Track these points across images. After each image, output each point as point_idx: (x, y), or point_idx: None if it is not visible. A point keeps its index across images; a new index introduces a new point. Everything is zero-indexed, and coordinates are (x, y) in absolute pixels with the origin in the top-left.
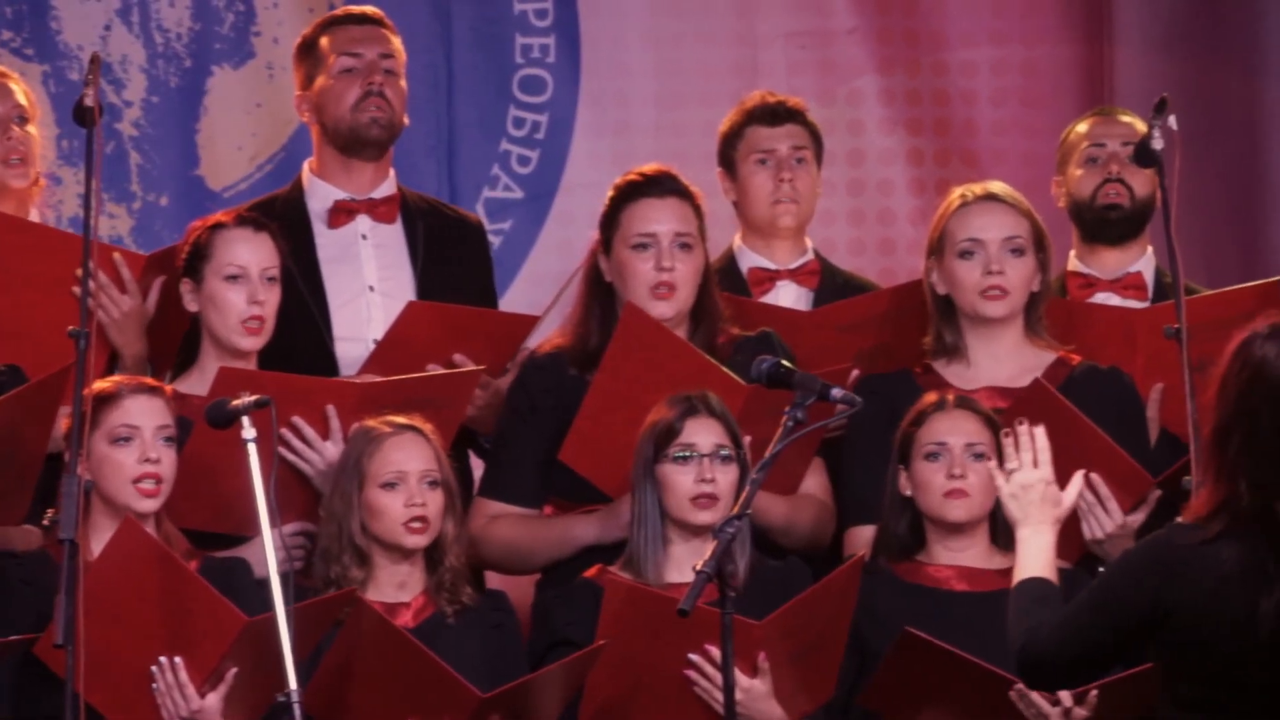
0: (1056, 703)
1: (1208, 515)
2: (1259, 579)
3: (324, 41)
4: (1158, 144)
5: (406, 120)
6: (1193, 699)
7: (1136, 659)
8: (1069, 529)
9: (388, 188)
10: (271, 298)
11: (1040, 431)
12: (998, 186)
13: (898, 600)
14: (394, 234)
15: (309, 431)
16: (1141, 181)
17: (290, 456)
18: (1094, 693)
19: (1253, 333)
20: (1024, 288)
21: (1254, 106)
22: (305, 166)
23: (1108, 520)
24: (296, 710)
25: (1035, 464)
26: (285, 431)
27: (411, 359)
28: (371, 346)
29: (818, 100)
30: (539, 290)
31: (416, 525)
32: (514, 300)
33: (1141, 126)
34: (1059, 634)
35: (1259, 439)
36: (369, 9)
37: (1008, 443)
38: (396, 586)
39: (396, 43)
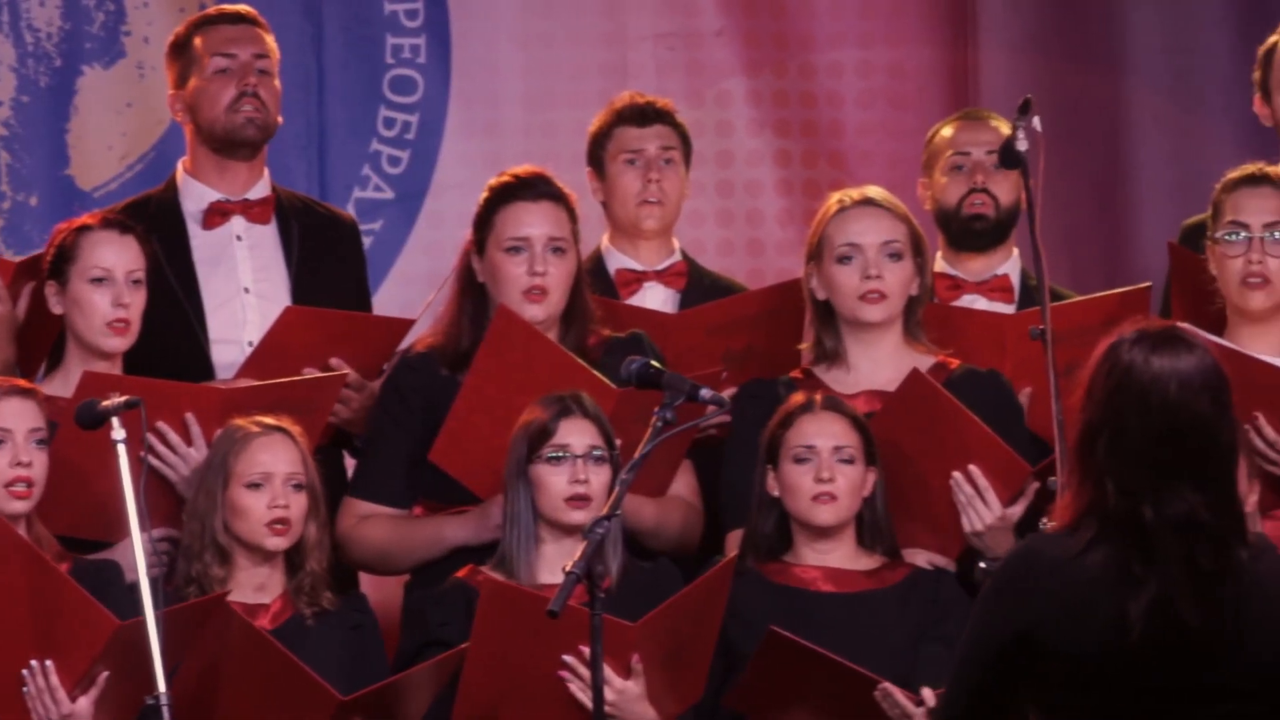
0: (920, 703)
1: (1075, 520)
2: (1126, 583)
3: (197, 41)
4: (1022, 145)
5: (281, 120)
6: (1065, 708)
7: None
8: (949, 524)
9: (262, 188)
10: (137, 300)
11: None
12: (875, 191)
13: (765, 601)
14: (269, 235)
15: (173, 436)
16: (1006, 189)
17: (154, 461)
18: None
19: (1120, 337)
20: (902, 292)
21: (1117, 107)
22: (179, 166)
23: (987, 512)
24: (166, 713)
25: None
26: (149, 436)
27: (287, 363)
28: (247, 349)
29: (686, 101)
30: (409, 290)
31: (278, 527)
32: (384, 300)
33: (1006, 129)
34: (950, 690)
35: (1125, 443)
36: (242, 8)
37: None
38: (255, 588)
39: (270, 42)
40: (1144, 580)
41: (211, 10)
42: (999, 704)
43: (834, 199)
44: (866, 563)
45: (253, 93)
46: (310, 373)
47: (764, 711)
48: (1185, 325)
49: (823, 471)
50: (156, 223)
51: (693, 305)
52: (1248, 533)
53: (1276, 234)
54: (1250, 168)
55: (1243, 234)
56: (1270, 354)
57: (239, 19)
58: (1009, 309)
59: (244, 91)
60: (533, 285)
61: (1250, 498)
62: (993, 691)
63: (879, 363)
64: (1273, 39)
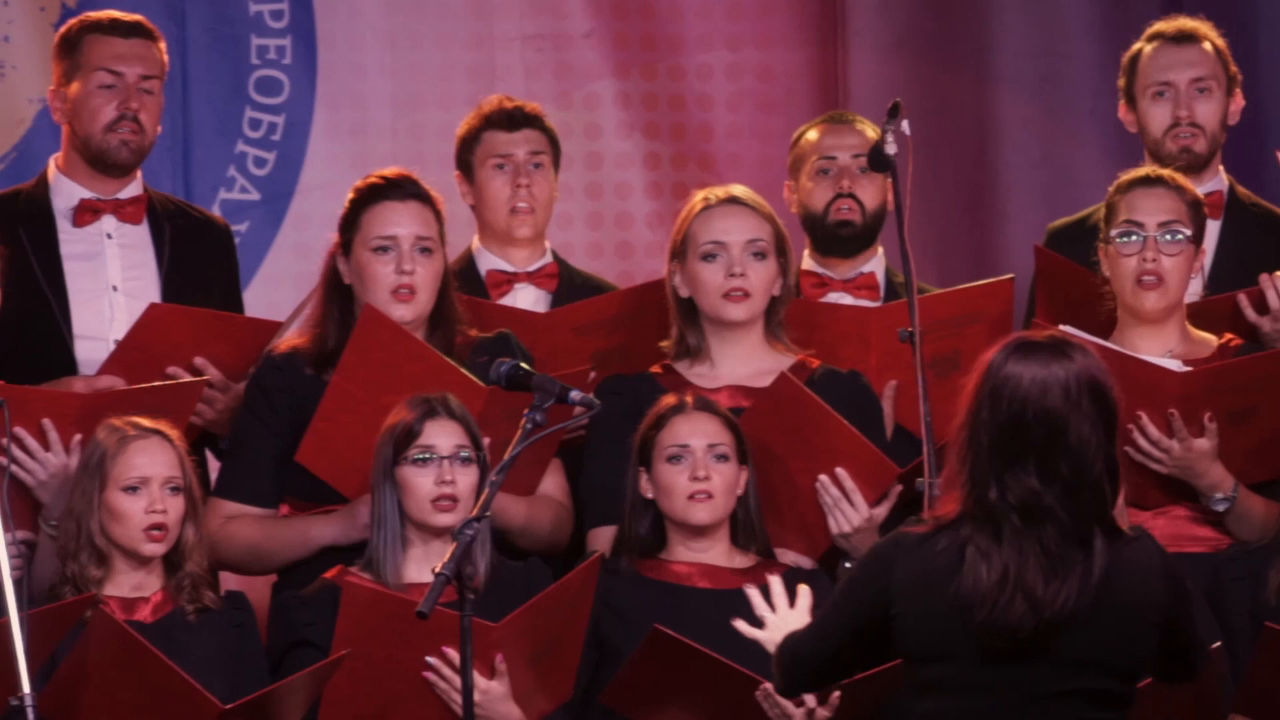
0: (801, 703)
1: (954, 514)
2: (976, 561)
3: (86, 46)
4: (891, 149)
5: (160, 128)
6: (927, 682)
7: (880, 658)
8: (816, 524)
9: (134, 188)
10: None
11: (776, 580)
12: (740, 190)
13: (640, 598)
14: (140, 234)
15: (30, 442)
16: (872, 194)
17: (11, 466)
18: (836, 693)
19: (998, 345)
20: (765, 291)
21: (984, 111)
22: (51, 163)
23: (854, 514)
24: (30, 714)
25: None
26: (3, 440)
27: (152, 361)
28: (113, 347)
29: (555, 104)
30: (276, 292)
31: (155, 533)
32: (250, 302)
33: (872, 133)
34: (808, 641)
35: (979, 434)
36: (134, 18)
37: (754, 597)
38: (132, 588)
39: (160, 55)
40: (991, 558)
41: (105, 16)
42: (848, 669)
43: (699, 197)
44: (741, 561)
45: (133, 116)
46: (175, 372)
47: (639, 709)
48: (1070, 331)
49: (698, 470)
50: (26, 217)
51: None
52: (1110, 521)
53: (1169, 235)
54: (1144, 169)
55: (1137, 234)
56: (1160, 354)
57: (132, 31)
58: (874, 305)
59: (124, 115)
60: (400, 285)
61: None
62: (850, 655)
63: (740, 360)
64: (1137, 46)
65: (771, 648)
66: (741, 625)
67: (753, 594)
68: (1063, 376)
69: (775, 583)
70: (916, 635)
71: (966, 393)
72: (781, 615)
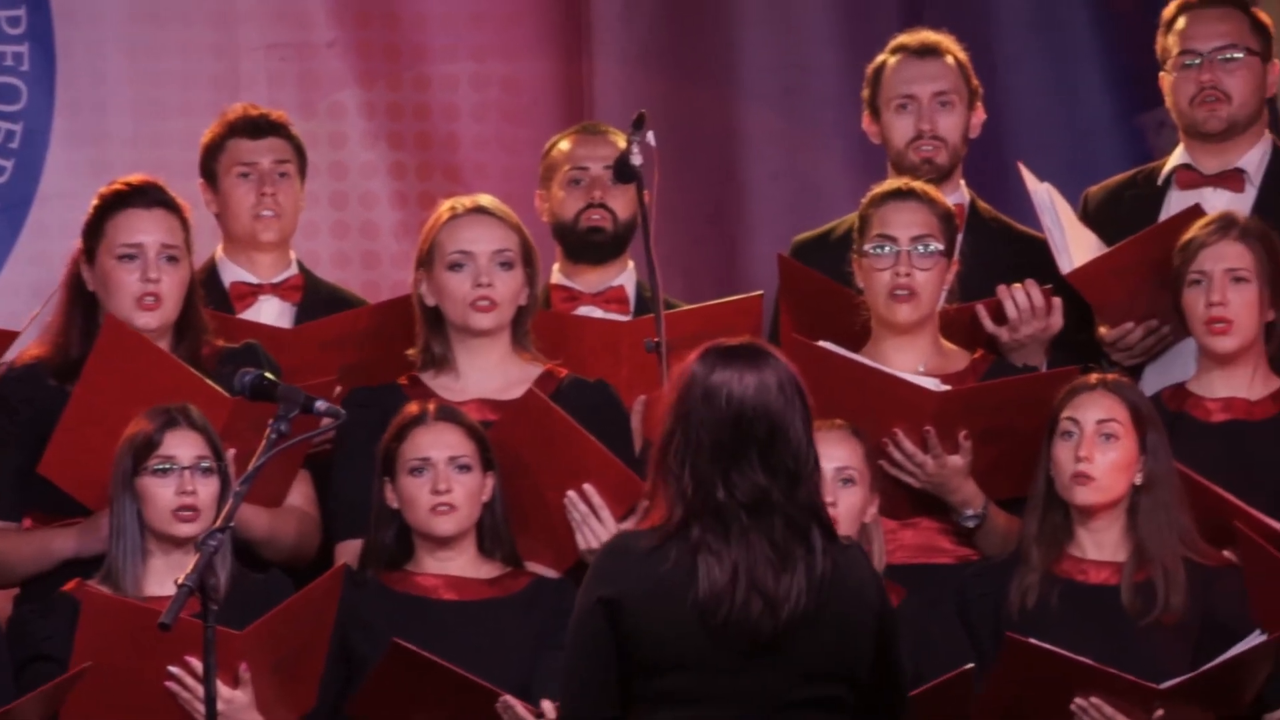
0: (540, 714)
1: (663, 518)
2: (707, 563)
3: None
4: (636, 160)
5: None
6: (664, 694)
7: None
8: (564, 537)
9: None
10: None
11: None
12: (487, 200)
13: (386, 610)
14: None
15: None
16: (624, 203)
17: None
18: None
19: (694, 354)
20: (512, 301)
21: (730, 122)
22: None
23: (601, 530)
24: None
25: None
26: None
27: None
28: None
29: (299, 113)
30: (14, 302)
31: None
32: None
33: (624, 144)
34: (566, 691)
35: (696, 435)
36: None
37: None
38: None
39: None
40: (723, 557)
41: None
42: (612, 690)
43: (446, 206)
44: (488, 570)
45: None
46: None
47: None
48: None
49: (439, 483)
50: None
51: (309, 318)
52: (826, 521)
53: (923, 247)
54: (897, 181)
55: (890, 247)
56: (913, 367)
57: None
58: (624, 319)
59: None
60: (145, 293)
61: (870, 509)
62: (603, 679)
63: (487, 371)
64: (881, 58)
65: None
66: None
67: None
68: (775, 377)
69: None
70: (653, 646)
71: (668, 403)
72: None
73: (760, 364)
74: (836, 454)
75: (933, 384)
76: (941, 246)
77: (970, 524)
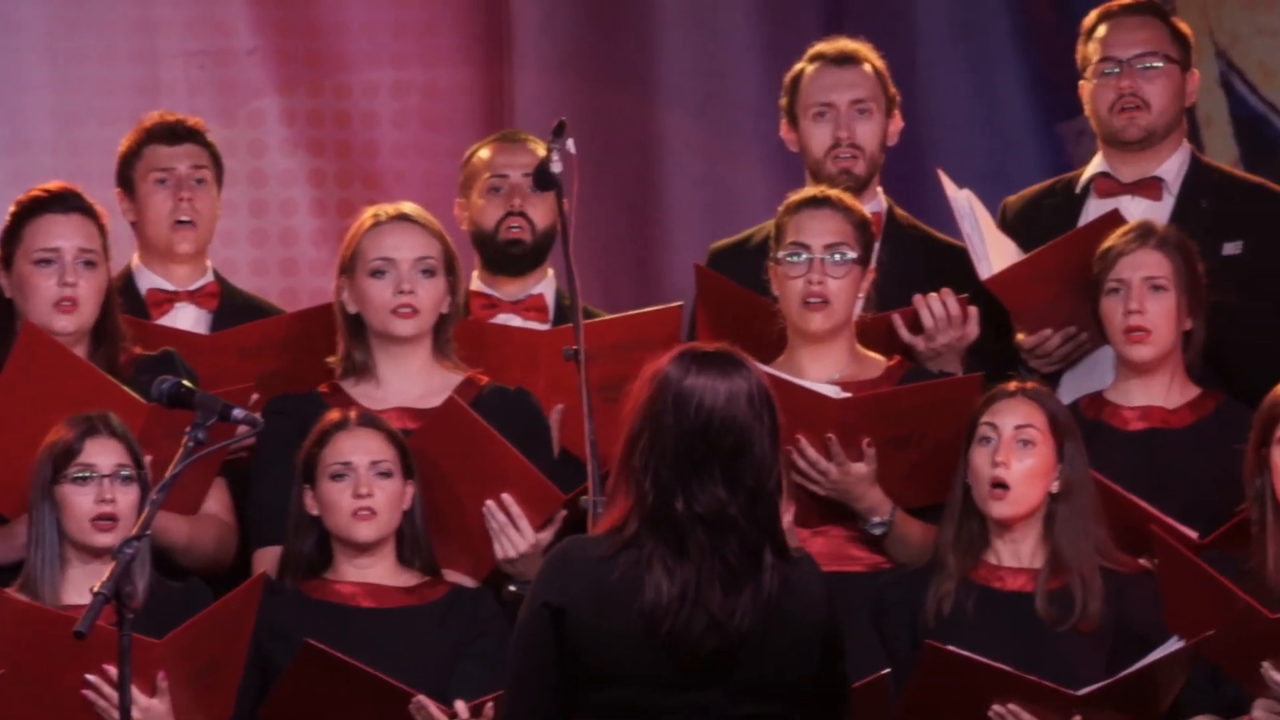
0: (454, 715)
1: (617, 523)
2: (658, 575)
3: None
4: (556, 167)
5: None
6: (604, 706)
7: None
8: (482, 546)
9: None
10: None
11: None
12: (410, 207)
13: (304, 617)
14: None
15: None
16: (543, 212)
17: None
18: (489, 704)
19: (666, 358)
20: (434, 308)
21: (649, 130)
22: None
23: (519, 539)
24: None
25: None
26: None
27: None
28: None
29: (218, 120)
30: None
31: None
32: None
33: (544, 152)
34: (507, 693)
35: (661, 441)
36: None
37: None
38: None
39: None
40: (675, 572)
41: None
42: (551, 696)
43: (368, 213)
44: (406, 579)
45: None
46: None
47: None
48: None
49: (360, 487)
50: None
51: (226, 326)
52: (780, 539)
53: (837, 256)
54: (813, 189)
55: (804, 255)
56: (828, 375)
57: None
58: (544, 328)
59: None
60: (63, 297)
61: (785, 516)
62: (542, 684)
63: (408, 378)
64: (799, 66)
65: None
66: None
67: None
68: (745, 388)
69: None
70: (595, 656)
71: (638, 404)
72: None
73: (733, 373)
74: None
75: (834, 391)
76: (856, 255)
77: (877, 531)
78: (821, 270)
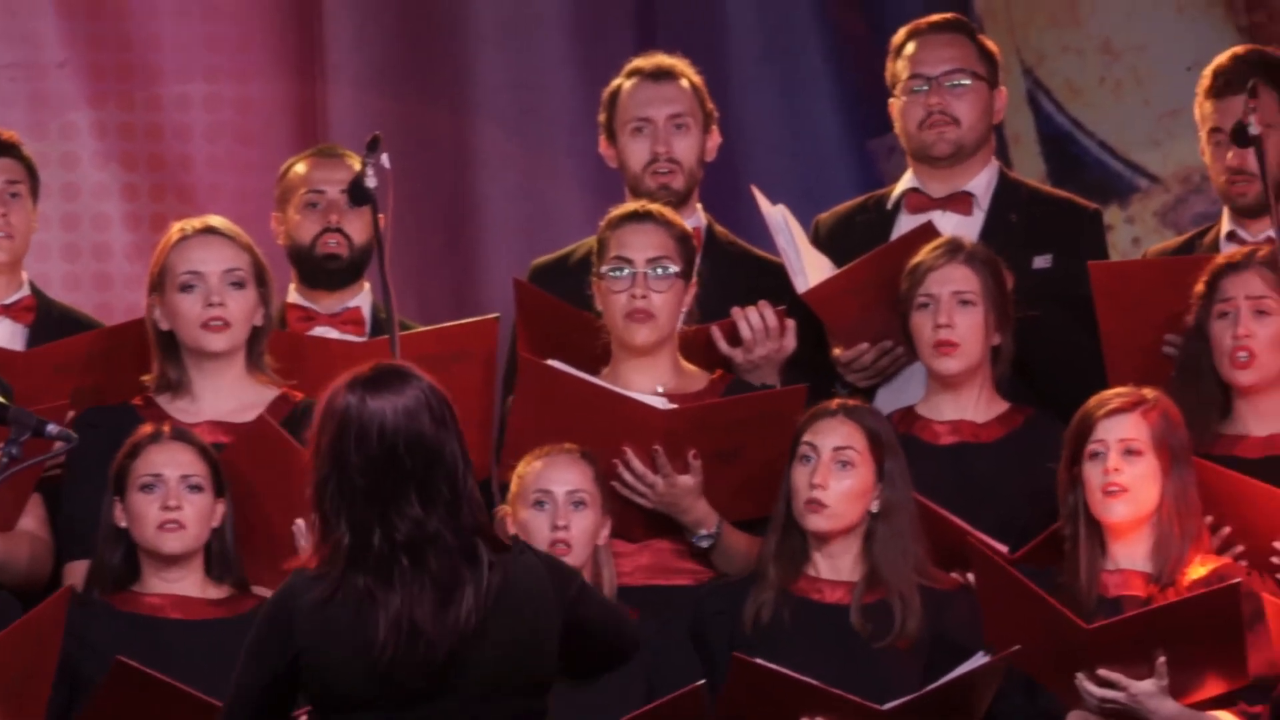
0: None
1: (323, 563)
2: (371, 610)
3: None
4: (371, 182)
5: None
6: None
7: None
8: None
9: None
10: None
11: None
12: (217, 220)
13: (113, 630)
14: None
15: None
16: (360, 228)
17: None
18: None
19: (334, 388)
20: (246, 321)
21: (464, 144)
22: None
23: None
24: None
25: None
26: None
27: None
28: None
29: (30, 133)
30: None
31: None
32: None
33: (359, 166)
34: (230, 703)
35: (351, 480)
36: None
37: None
38: None
39: None
40: (386, 603)
41: None
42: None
43: (175, 228)
44: (215, 592)
45: None
46: None
47: None
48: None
49: (170, 499)
50: None
51: (41, 340)
52: (489, 538)
53: (660, 270)
54: (634, 204)
55: (627, 270)
56: (652, 388)
57: None
58: (361, 340)
59: None
60: None
61: (602, 532)
62: (260, 705)
63: (221, 393)
64: (616, 82)
65: None
66: None
67: None
68: (422, 399)
69: None
70: (328, 689)
71: (320, 446)
72: None
73: (404, 388)
74: (567, 478)
75: (660, 403)
76: (678, 268)
77: (704, 544)
78: (645, 284)
